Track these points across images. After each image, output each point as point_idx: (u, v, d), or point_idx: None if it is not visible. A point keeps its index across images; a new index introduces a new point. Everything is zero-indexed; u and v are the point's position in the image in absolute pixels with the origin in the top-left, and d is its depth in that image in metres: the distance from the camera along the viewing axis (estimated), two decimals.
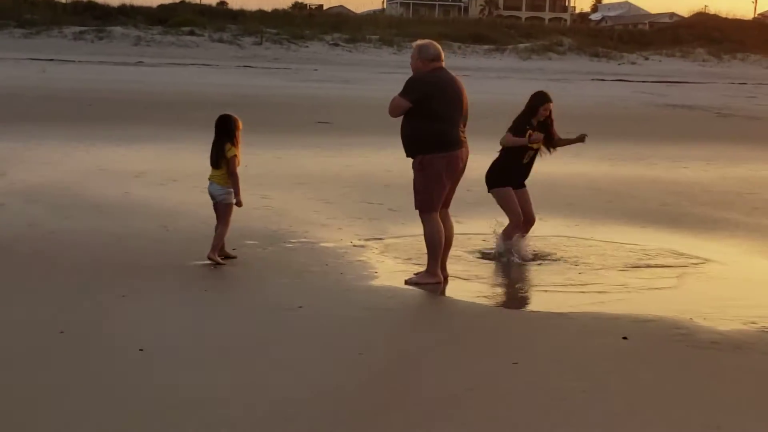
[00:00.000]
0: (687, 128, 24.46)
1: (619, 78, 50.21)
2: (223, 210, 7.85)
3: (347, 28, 70.22)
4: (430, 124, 7.23)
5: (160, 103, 24.84)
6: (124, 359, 5.18)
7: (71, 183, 11.80)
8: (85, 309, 6.13)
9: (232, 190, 7.84)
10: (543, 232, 9.72)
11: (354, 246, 8.74)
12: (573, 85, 42.24)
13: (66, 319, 5.89)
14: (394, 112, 7.26)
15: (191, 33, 64.34)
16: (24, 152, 14.72)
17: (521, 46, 68.09)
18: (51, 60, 43.00)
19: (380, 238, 9.17)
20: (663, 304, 7.00)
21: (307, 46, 64.23)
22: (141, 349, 5.31)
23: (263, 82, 34.93)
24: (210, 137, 17.88)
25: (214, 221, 9.58)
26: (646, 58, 67.92)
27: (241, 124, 7.93)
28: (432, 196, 7.32)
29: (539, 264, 8.21)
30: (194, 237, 8.78)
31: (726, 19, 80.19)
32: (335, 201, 11.35)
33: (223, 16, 71.06)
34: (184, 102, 25.49)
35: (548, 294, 7.23)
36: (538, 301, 7.05)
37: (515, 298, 7.00)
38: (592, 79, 49.05)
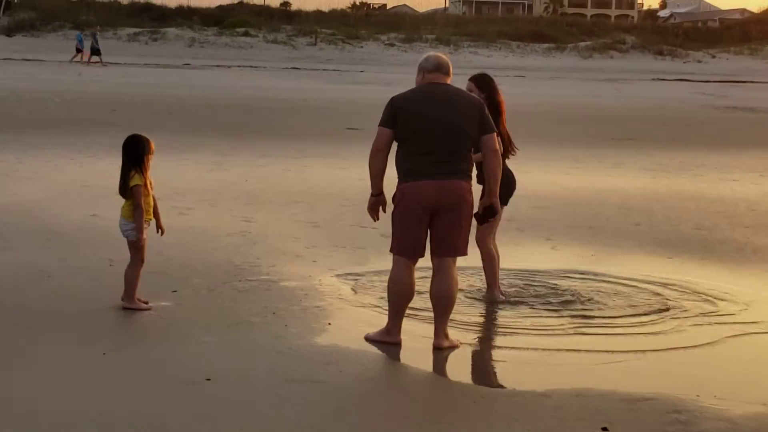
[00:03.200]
0: (744, 133, 22.75)
1: (681, 78, 48.22)
2: (131, 247, 6.69)
3: (405, 27, 69.02)
4: (398, 147, 6.03)
5: (188, 108, 23.91)
6: None
7: (40, 203, 10.78)
8: None
9: (145, 226, 6.67)
10: (549, 266, 8.42)
11: (320, 285, 7.52)
12: (629, 85, 40.48)
13: None
14: (374, 145, 5.97)
15: (246, 34, 63.79)
16: (13, 165, 13.80)
17: (582, 44, 66.22)
18: (97, 62, 42.51)
19: (358, 275, 7.93)
20: (669, 374, 5.62)
21: (362, 47, 63.22)
22: None
23: (304, 84, 33.91)
24: (231, 147, 16.84)
25: (174, 251, 8.51)
26: (713, 56, 65.56)
27: (153, 147, 6.70)
28: (394, 235, 6.07)
29: (526, 314, 6.86)
30: None
31: None
32: (324, 224, 10.15)
33: (279, 17, 70.35)
34: (213, 107, 24.53)
35: (527, 361, 5.86)
36: (511, 372, 5.68)
37: (482, 367, 5.69)
38: (653, 79, 47.15)
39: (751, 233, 10.29)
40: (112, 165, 14.44)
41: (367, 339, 6.10)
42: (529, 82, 40.58)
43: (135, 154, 6.61)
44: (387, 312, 6.51)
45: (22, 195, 11.32)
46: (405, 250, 5.99)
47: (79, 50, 42.87)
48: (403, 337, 6.07)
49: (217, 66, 44.56)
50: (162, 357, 5.63)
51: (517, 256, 8.83)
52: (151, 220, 6.75)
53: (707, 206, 12.01)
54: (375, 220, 6.26)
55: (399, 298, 6.02)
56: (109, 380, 5.22)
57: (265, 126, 20.76)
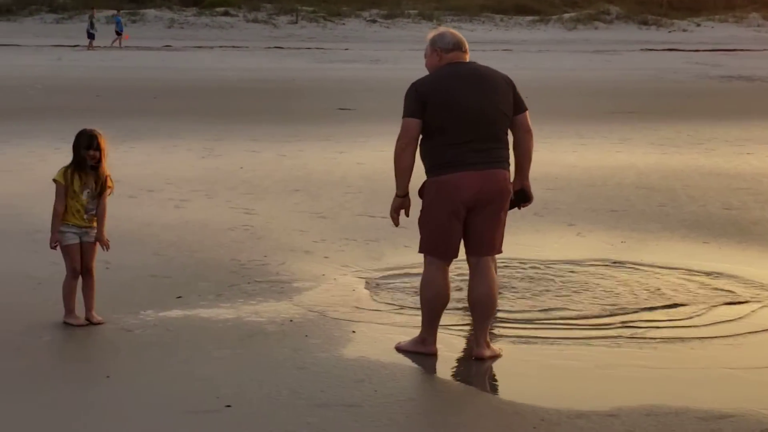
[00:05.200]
0: (748, 104, 22.20)
1: (669, 47, 47.56)
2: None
3: (386, 3, 68.04)
4: (426, 138, 5.31)
5: (173, 92, 23.15)
6: None
7: (22, 199, 10.03)
8: None
9: (62, 229, 5.87)
10: (578, 255, 7.81)
11: (336, 286, 6.86)
12: (619, 56, 39.81)
13: None
14: (403, 140, 5.24)
15: (226, 14, 62.68)
16: None
17: (566, 16, 65.46)
18: (75, 46, 41.51)
19: (374, 272, 7.29)
20: (751, 386, 4.96)
21: (343, 24, 62.27)
22: None
23: (289, 64, 33.09)
24: (221, 131, 16.11)
25: (174, 251, 7.87)
26: (698, 25, 64.92)
27: (100, 144, 5.81)
28: (426, 234, 5.38)
29: (573, 317, 6.16)
30: (138, 279, 6.98)
31: None
32: (330, 214, 9.49)
33: None
34: (198, 90, 23.79)
35: (584, 375, 5.18)
36: (568, 389, 4.98)
37: (535, 384, 5.04)
38: (641, 49, 46.48)
39: None
40: None
41: (399, 349, 5.46)
42: (516, 56, 39.88)
43: (75, 147, 5.84)
44: (413, 314, 5.98)
45: (3, 189, 10.61)
46: (439, 250, 5.35)
47: (118, 33, 42.56)
48: (438, 346, 5.44)
49: (199, 47, 43.58)
50: (174, 378, 4.97)
51: (542, 245, 8.23)
52: (85, 226, 5.87)
53: (729, 183, 11.41)
54: (396, 225, 5.55)
55: (434, 304, 5.38)
56: (116, 408, 4.57)
57: (254, 108, 20.04)
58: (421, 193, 5.45)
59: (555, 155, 13.71)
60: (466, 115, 5.23)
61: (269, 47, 44.47)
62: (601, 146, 14.91)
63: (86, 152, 5.76)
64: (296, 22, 61.66)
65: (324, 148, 14.39)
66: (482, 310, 5.36)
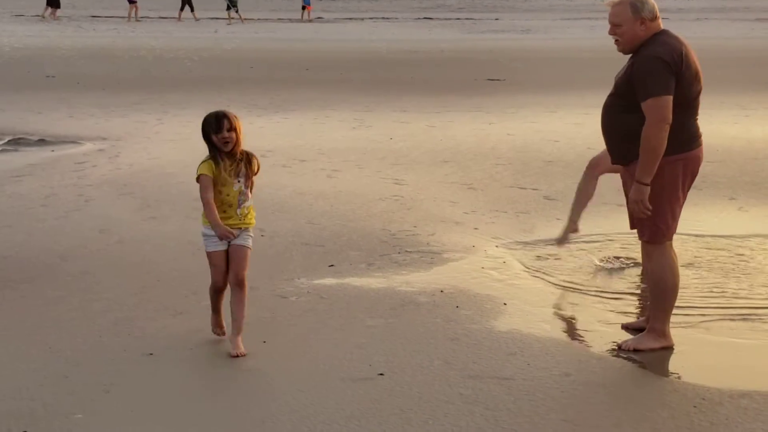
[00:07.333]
0: None
1: None
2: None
3: None
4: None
5: (325, 63, 23.40)
6: None
7: (183, 167, 10.35)
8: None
9: (205, 231, 5.04)
10: (740, 230, 7.57)
11: (486, 258, 6.82)
12: None
13: None
14: (663, 122, 4.70)
15: None
16: (154, 126, 13.54)
17: None
18: (231, 18, 42.47)
19: (526, 244, 7.21)
20: None
21: None
22: None
23: (437, 35, 32.98)
24: (371, 102, 16.20)
25: (327, 220, 7.98)
26: None
27: (233, 124, 4.94)
28: (667, 219, 4.90)
29: (740, 294, 5.90)
30: (291, 246, 7.11)
31: None
32: (480, 186, 9.42)
33: None
34: (349, 61, 23.96)
35: (746, 353, 4.96)
36: (730, 368, 4.81)
37: (694, 361, 4.85)
38: None
39: None
40: (252, 124, 14.09)
41: (638, 350, 4.96)
42: (673, 24, 38.37)
43: (204, 136, 4.99)
44: (566, 288, 5.93)
45: (165, 158, 10.98)
46: (673, 232, 5.00)
47: (304, 7, 43.44)
48: (591, 319, 5.34)
49: (349, 19, 43.97)
50: (328, 345, 5.04)
51: (701, 219, 7.94)
52: (238, 225, 5.05)
53: None
54: (645, 216, 4.87)
55: (677, 290, 5.05)
56: (272, 373, 4.68)
57: (403, 79, 20.06)
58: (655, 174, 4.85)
59: (715, 127, 13.16)
60: (701, 86, 4.94)
61: (418, 18, 44.47)
62: (765, 118, 14.30)
63: (217, 136, 4.92)
64: None
65: (473, 118, 14.29)
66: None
